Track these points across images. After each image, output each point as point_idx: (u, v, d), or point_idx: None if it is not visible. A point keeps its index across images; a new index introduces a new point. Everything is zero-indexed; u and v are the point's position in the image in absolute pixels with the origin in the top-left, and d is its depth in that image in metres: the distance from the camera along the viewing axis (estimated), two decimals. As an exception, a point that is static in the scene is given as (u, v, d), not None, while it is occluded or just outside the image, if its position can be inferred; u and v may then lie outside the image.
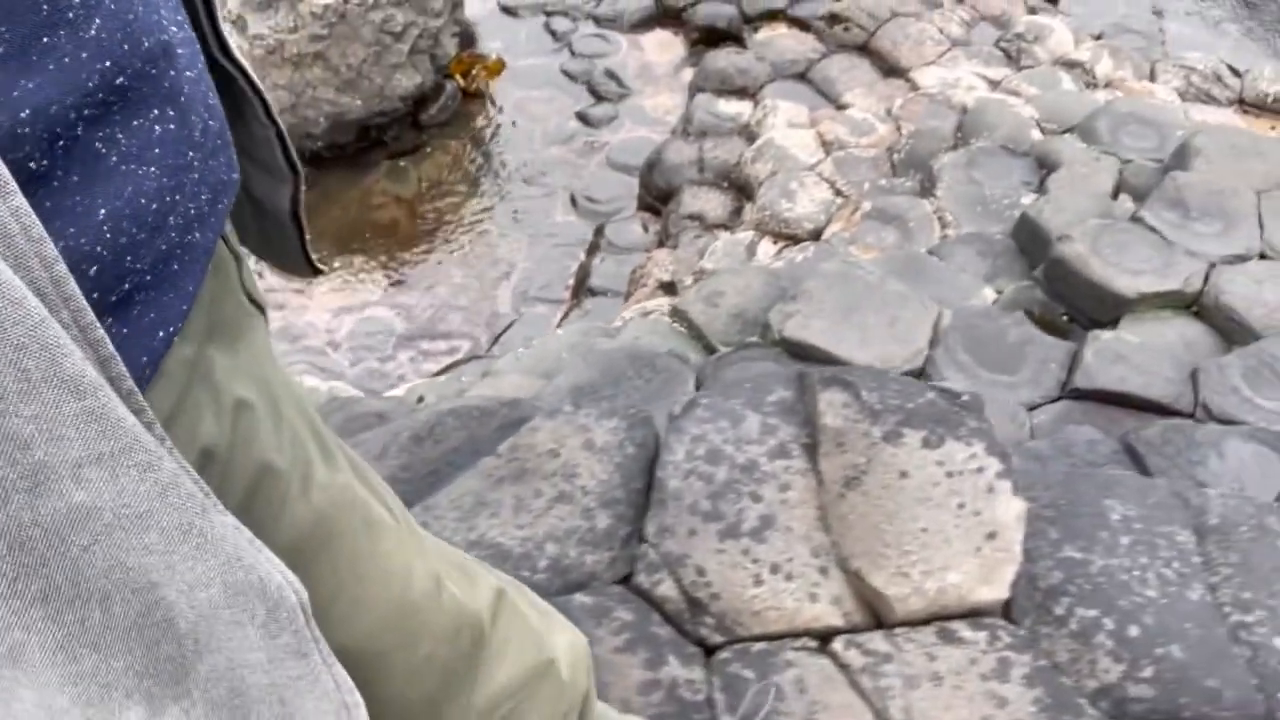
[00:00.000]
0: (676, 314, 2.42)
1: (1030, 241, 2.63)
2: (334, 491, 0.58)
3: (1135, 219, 2.49)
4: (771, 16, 4.61)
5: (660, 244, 3.81)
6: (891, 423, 1.10)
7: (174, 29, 0.46)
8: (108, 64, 0.40)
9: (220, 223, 0.51)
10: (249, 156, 0.64)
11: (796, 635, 1.01)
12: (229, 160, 0.52)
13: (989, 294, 2.51)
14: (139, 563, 0.34)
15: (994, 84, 3.91)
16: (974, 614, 1.02)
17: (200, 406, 0.49)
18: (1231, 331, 2.22)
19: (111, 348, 0.35)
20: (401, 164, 4.33)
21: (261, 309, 0.59)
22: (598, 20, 4.91)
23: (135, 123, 0.43)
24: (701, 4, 4.77)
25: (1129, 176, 2.84)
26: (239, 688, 0.39)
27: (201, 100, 0.49)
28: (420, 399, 2.19)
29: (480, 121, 4.57)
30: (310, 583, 0.47)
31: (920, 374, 2.14)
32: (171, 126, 0.45)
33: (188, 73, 0.46)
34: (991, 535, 1.04)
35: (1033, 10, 4.46)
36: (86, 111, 0.39)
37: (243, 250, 0.58)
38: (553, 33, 4.88)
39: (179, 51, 0.46)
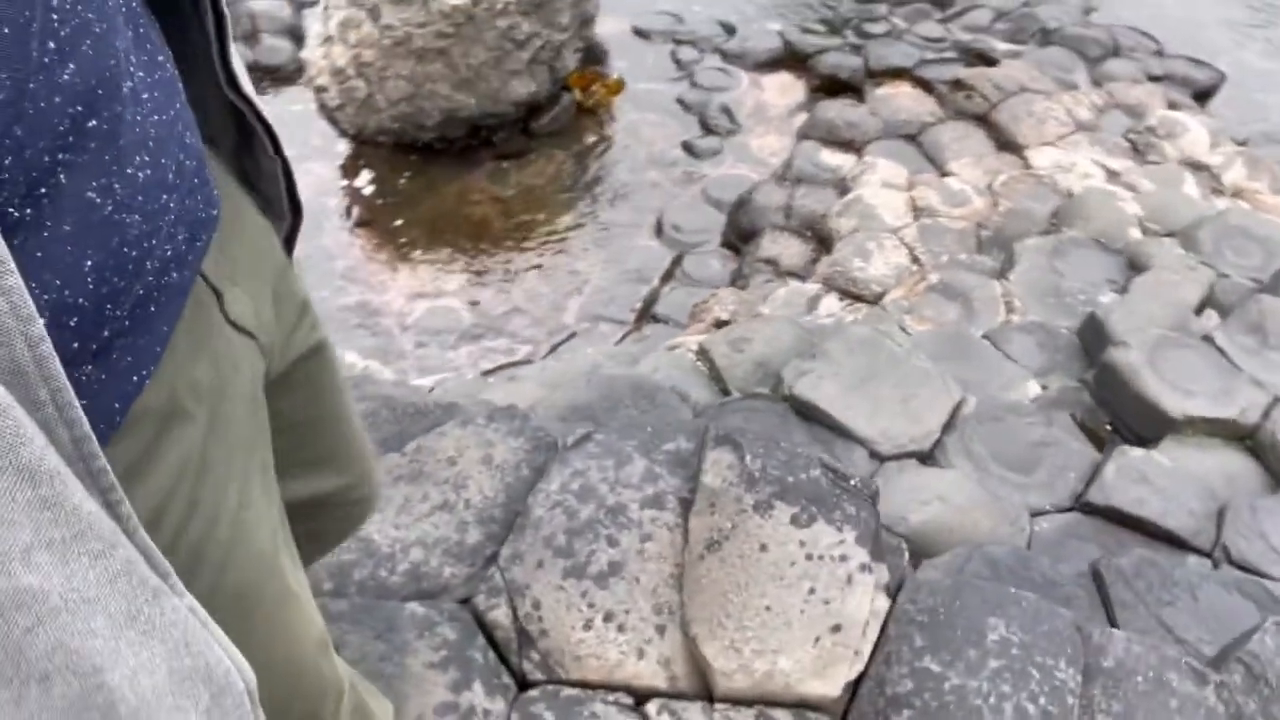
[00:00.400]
0: (701, 353, 2.40)
1: (1093, 342, 2.49)
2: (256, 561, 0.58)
3: (1206, 338, 2.32)
4: (896, 74, 4.54)
5: (732, 282, 3.78)
6: (766, 493, 1.06)
7: (141, 73, 0.46)
8: (79, 108, 0.39)
9: (198, 260, 0.52)
10: (253, 187, 0.66)
11: (613, 689, 0.98)
12: (207, 198, 0.53)
13: (1033, 388, 2.39)
14: (83, 646, 0.34)
15: (1112, 174, 3.72)
16: (801, 705, 0.96)
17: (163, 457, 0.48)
18: (1284, 475, 2.04)
19: (86, 426, 0.36)
20: (504, 166, 4.46)
21: (253, 336, 0.59)
22: (724, 54, 4.94)
23: (128, 171, 0.43)
24: (829, 53, 4.74)
25: (1220, 293, 2.65)
26: None
27: (175, 141, 0.49)
28: (430, 390, 2.25)
29: (589, 137, 4.67)
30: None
31: (927, 457, 2.05)
32: (149, 171, 0.45)
33: (156, 116, 0.46)
34: (836, 628, 0.99)
35: (1174, 106, 4.23)
36: (62, 156, 0.39)
37: (223, 284, 0.57)
38: (678, 61, 4.94)
39: (144, 95, 0.46)
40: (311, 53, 4.00)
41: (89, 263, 0.40)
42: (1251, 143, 4.17)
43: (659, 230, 4.20)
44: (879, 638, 1.00)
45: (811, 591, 1.00)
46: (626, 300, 3.95)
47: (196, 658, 0.41)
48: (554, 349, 3.81)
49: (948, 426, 2.08)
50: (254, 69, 4.64)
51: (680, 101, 4.76)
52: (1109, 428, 2.27)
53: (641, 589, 1.01)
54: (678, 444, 1.17)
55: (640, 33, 5.09)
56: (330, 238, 4.16)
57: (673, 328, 3.67)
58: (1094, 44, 4.63)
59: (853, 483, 1.12)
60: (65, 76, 0.39)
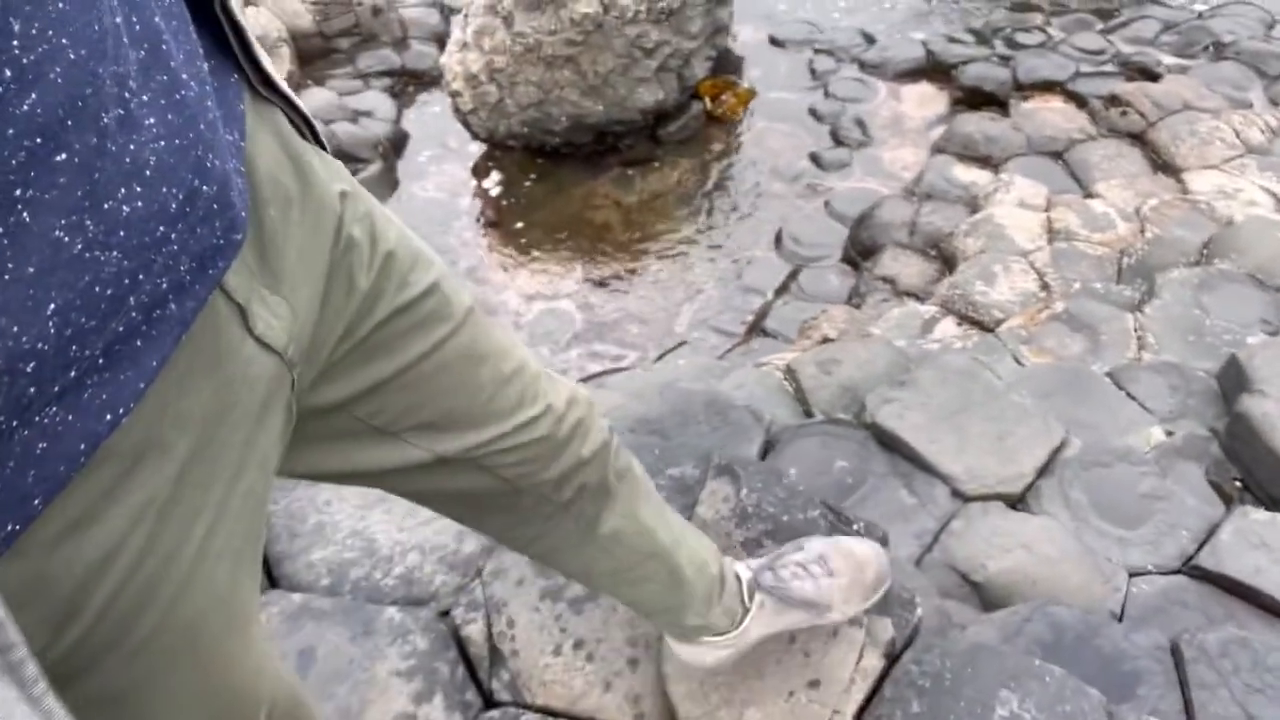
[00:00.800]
0: (789, 373, 2.32)
1: (1232, 388, 2.25)
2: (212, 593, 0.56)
3: (1366, 391, 2.04)
4: (1046, 87, 4.27)
5: (849, 300, 3.65)
6: (757, 530, 0.98)
7: (145, 96, 0.43)
8: (38, 140, 0.37)
9: (207, 289, 0.49)
10: None
11: (573, 719, 0.93)
12: (229, 223, 0.49)
13: (1156, 435, 2.18)
14: None
15: (1283, 203, 3.36)
16: (773, 763, 0.89)
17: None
18: None
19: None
20: (630, 172, 4.48)
21: (280, 355, 0.57)
22: (863, 64, 4.79)
23: (106, 206, 0.40)
24: (974, 64, 4.51)
25: (1395, 341, 2.33)
26: None
27: (191, 167, 0.46)
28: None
29: (717, 145, 4.63)
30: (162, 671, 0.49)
31: (1018, 501, 1.90)
32: (139, 204, 0.42)
33: (161, 142, 0.44)
34: (814, 684, 0.90)
35: (1367, 127, 3.78)
36: (20, 192, 0.37)
37: (254, 297, 0.54)
38: (813, 71, 4.83)
39: (147, 121, 0.43)
40: (449, 58, 4.15)
41: (52, 305, 0.38)
42: None
43: (778, 242, 4.11)
44: (870, 699, 0.92)
45: (792, 641, 0.93)
46: (738, 312, 3.89)
47: None
48: (661, 357, 3.80)
49: (1044, 470, 1.92)
50: (401, 73, 4.87)
51: (812, 112, 4.65)
52: (1239, 484, 2.03)
53: (618, 619, 0.97)
54: (683, 470, 1.12)
55: (776, 41, 5.00)
56: (456, 236, 4.31)
57: (781, 342, 3.58)
58: (1274, 59, 4.21)
59: (856, 527, 1.04)
60: (24, 107, 0.37)
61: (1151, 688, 1.22)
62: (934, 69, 4.64)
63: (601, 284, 4.13)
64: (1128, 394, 2.31)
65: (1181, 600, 1.69)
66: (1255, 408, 2.01)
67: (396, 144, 4.49)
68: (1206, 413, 2.26)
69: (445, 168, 4.52)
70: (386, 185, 4.44)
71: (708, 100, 4.64)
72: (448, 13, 5.21)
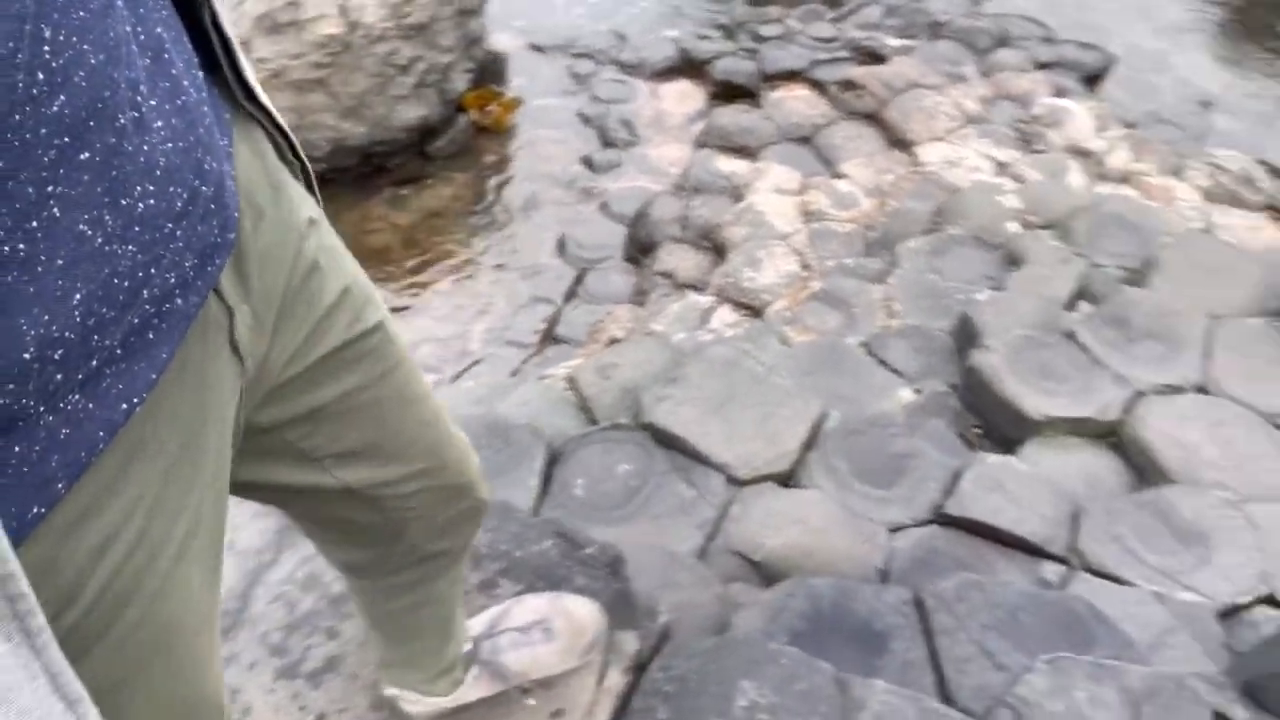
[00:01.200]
0: (571, 382, 2.36)
1: (965, 344, 2.49)
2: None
3: (1069, 334, 2.32)
4: (790, 76, 4.53)
5: (633, 298, 3.75)
6: (492, 570, 1.01)
7: (153, 101, 0.46)
8: (67, 139, 0.40)
9: (208, 285, 0.52)
10: None
11: None
12: (224, 222, 0.53)
13: (906, 396, 2.38)
14: None
15: (1001, 166, 3.74)
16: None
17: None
18: (1144, 471, 2.04)
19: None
20: (403, 192, 4.38)
21: (242, 360, 0.60)
22: (621, 65, 4.91)
23: (123, 202, 0.43)
24: (724, 58, 4.72)
25: (1093, 284, 2.66)
26: None
27: (192, 168, 0.49)
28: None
29: (489, 157, 4.61)
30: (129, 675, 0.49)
31: (789, 478, 2.03)
32: (151, 201, 0.45)
33: (169, 145, 0.47)
34: (558, 713, 0.95)
35: (1061, 92, 4.27)
36: (52, 188, 0.39)
37: (236, 303, 0.58)
38: (575, 75, 4.90)
39: (156, 124, 0.46)
40: (187, 90, 3.89)
41: (77, 295, 0.40)
42: (1141, 125, 4.22)
43: (561, 248, 4.15)
44: (619, 715, 0.96)
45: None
46: (530, 322, 3.90)
47: None
48: (457, 377, 3.75)
49: (809, 444, 2.06)
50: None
51: (579, 115, 4.72)
52: (978, 432, 2.26)
53: (360, 684, 0.96)
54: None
55: (536, 48, 5.04)
56: (223, 278, 4.06)
57: (574, 347, 3.63)
58: (983, 34, 4.67)
59: (588, 551, 1.08)
60: (54, 108, 0.39)
61: (901, 640, 1.34)
62: (688, 66, 4.82)
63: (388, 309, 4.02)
64: (880, 361, 2.50)
65: (935, 548, 1.86)
66: (983, 360, 2.23)
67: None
68: (947, 369, 2.49)
69: (201, 206, 4.25)
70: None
71: (474, 112, 4.60)
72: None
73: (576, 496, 1.93)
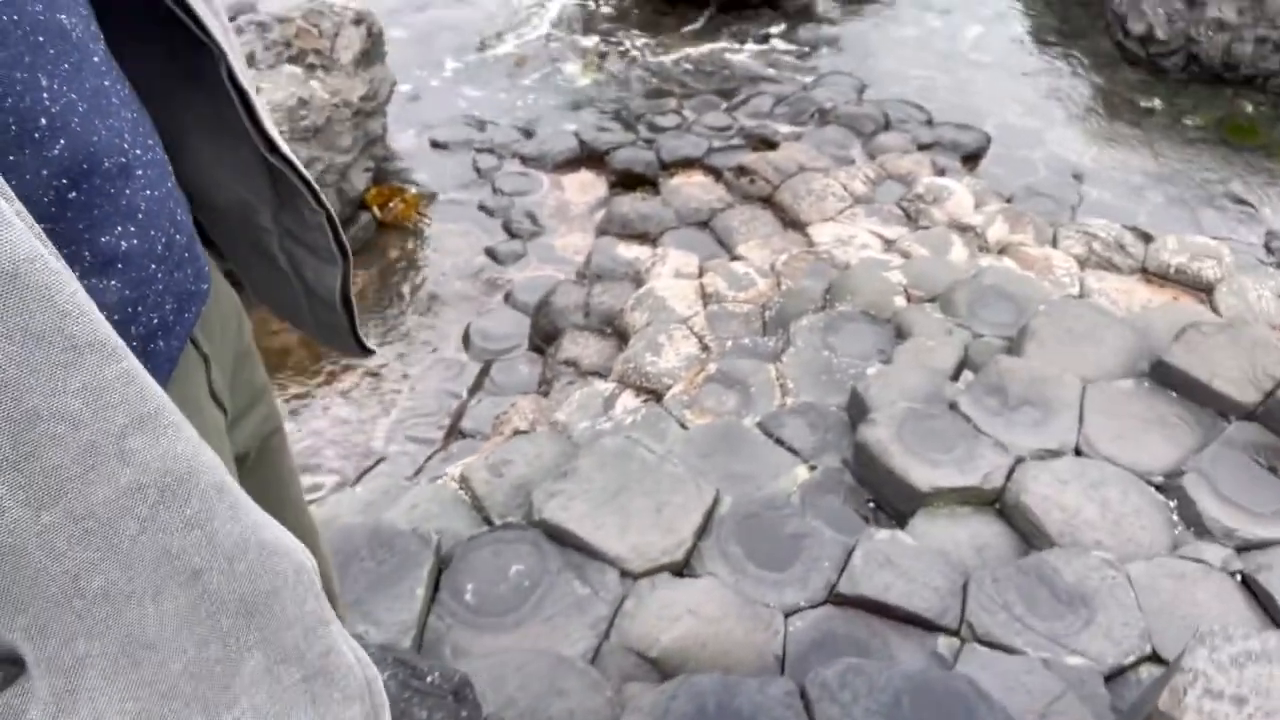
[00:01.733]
0: (464, 481, 2.32)
1: (858, 418, 2.53)
2: None
3: (952, 404, 2.38)
4: (687, 164, 4.67)
5: (538, 387, 3.73)
6: None
7: (138, 151, 0.49)
8: (64, 181, 0.42)
9: (186, 331, 0.55)
10: (299, 241, 0.71)
11: None
12: (197, 271, 0.56)
13: (802, 474, 2.39)
14: (181, 546, 0.35)
15: (888, 244, 3.88)
16: None
17: None
18: (1029, 535, 2.08)
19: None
20: (304, 292, 4.33)
21: (224, 410, 0.62)
22: (524, 159, 4.99)
23: (103, 239, 0.46)
24: (623, 149, 4.85)
25: (975, 354, 2.75)
26: (276, 692, 0.39)
27: (167, 216, 0.52)
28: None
29: (393, 253, 4.60)
30: None
31: (684, 567, 2.01)
32: (135, 241, 0.48)
33: (148, 191, 0.50)
34: None
35: (941, 171, 4.49)
36: (45, 226, 0.40)
37: (209, 351, 0.60)
38: (478, 169, 4.97)
39: (139, 172, 0.49)
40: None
41: None
42: (1016, 199, 4.45)
43: (467, 341, 4.14)
44: None
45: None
46: (435, 417, 3.85)
47: (274, 530, 0.44)
48: (359, 478, 3.66)
49: (703, 531, 2.05)
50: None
51: (483, 208, 4.77)
52: (872, 506, 2.28)
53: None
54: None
55: (438, 144, 5.10)
56: (114, 388, 3.92)
57: (479, 441, 3.58)
58: (868, 120, 4.90)
59: (430, 680, 1.04)
60: (55, 151, 0.42)
61: (785, 733, 1.32)
62: (589, 157, 4.94)
63: (290, 412, 3.92)
64: (776, 440, 2.52)
65: (831, 630, 1.86)
66: (870, 434, 2.27)
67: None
68: (842, 445, 2.52)
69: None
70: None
71: (376, 209, 4.61)
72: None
73: (466, 603, 1.87)
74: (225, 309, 0.68)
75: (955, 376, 2.67)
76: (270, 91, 4.02)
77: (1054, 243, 3.94)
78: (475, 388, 3.90)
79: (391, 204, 4.67)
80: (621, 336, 3.67)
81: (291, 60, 4.29)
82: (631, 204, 4.36)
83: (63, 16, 0.44)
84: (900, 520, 2.19)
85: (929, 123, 5.03)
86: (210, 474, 0.38)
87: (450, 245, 4.62)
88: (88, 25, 0.47)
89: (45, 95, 0.41)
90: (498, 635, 1.81)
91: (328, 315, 0.75)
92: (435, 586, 1.91)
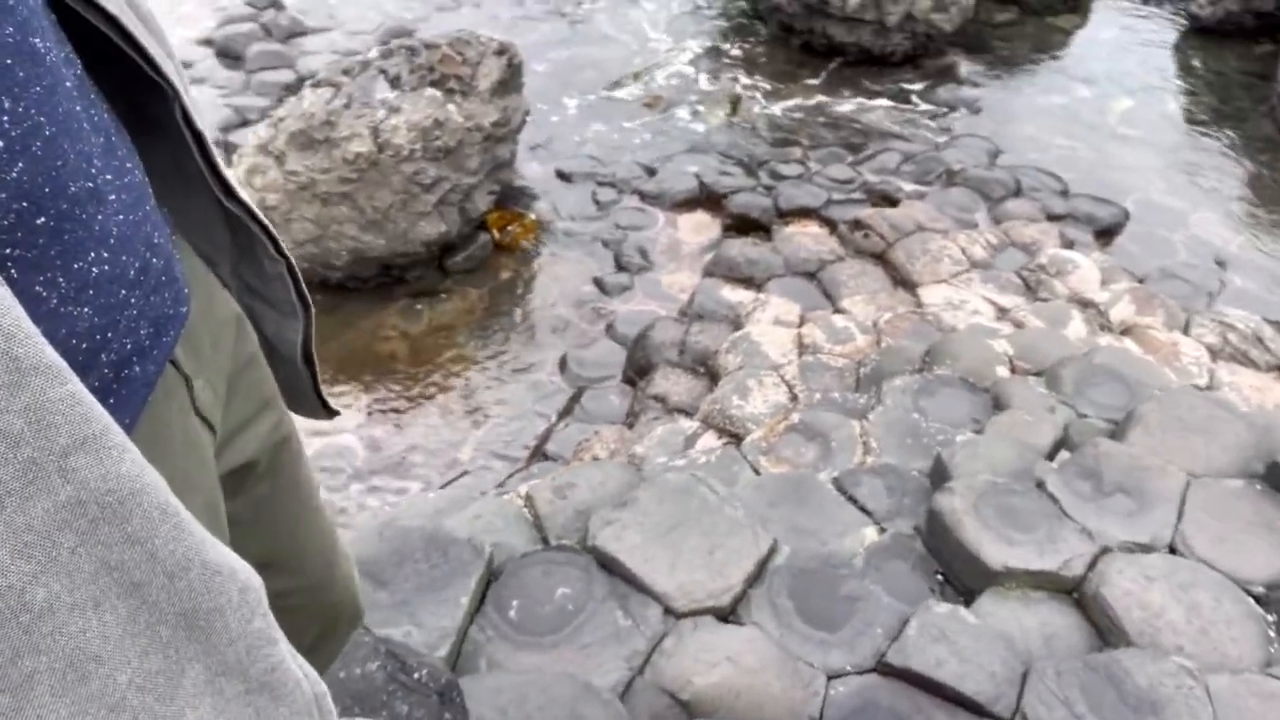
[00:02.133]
0: (528, 500, 2.34)
1: (939, 485, 2.43)
2: None
3: (1039, 483, 2.26)
4: (804, 214, 4.64)
5: (626, 419, 3.75)
6: None
7: (108, 175, 0.49)
8: (25, 204, 0.42)
9: (164, 354, 0.54)
10: (258, 295, 0.72)
11: None
12: (175, 295, 0.56)
13: (870, 535, 2.31)
14: (121, 560, 0.36)
15: (1001, 311, 3.74)
16: None
17: None
18: (1105, 631, 1.94)
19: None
20: (418, 304, 4.51)
21: (212, 429, 0.62)
22: (643, 195, 5.07)
23: (76, 266, 0.45)
24: (742, 193, 4.86)
25: (1075, 434, 2.60)
26: (219, 704, 0.40)
27: (143, 240, 0.52)
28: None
29: (505, 274, 4.74)
30: None
31: (729, 613, 1.96)
32: (106, 267, 0.48)
33: (121, 216, 0.50)
34: None
35: (1069, 244, 4.30)
36: (9, 250, 0.41)
37: (191, 370, 0.60)
38: (597, 201, 5.07)
39: (110, 197, 0.49)
40: (220, 197, 4.11)
41: None
42: (1149, 280, 4.21)
43: (563, 366, 4.20)
44: None
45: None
46: (522, 437, 3.91)
47: (218, 550, 0.43)
48: (444, 487, 3.75)
49: (754, 579, 2.00)
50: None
51: (597, 239, 4.86)
52: (940, 577, 2.18)
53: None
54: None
55: (562, 174, 5.24)
56: (234, 375, 4.17)
57: (559, 465, 3.62)
58: (997, 185, 4.76)
59: (418, 676, 1.04)
60: (14, 174, 0.42)
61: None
62: (707, 198, 4.97)
63: (387, 417, 4.07)
64: (849, 497, 2.45)
65: (873, 700, 1.77)
66: (945, 502, 2.18)
67: (169, 283, 4.35)
68: (918, 510, 2.43)
69: (223, 305, 4.41)
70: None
71: (495, 231, 4.77)
72: (230, 151, 5.19)
73: (509, 619, 1.89)
74: (220, 319, 0.67)
75: (1051, 456, 2.53)
76: (409, 112, 4.24)
77: (1185, 329, 3.71)
78: (565, 413, 3.95)
79: (510, 227, 4.82)
80: (713, 377, 3.66)
81: (434, 84, 4.52)
82: (742, 248, 4.36)
83: (36, 40, 0.44)
84: (968, 597, 2.08)
85: (1063, 193, 4.84)
86: (154, 495, 0.38)
87: (561, 272, 4.73)
88: (61, 50, 0.48)
89: (6, 118, 0.41)
90: (533, 654, 1.81)
91: (289, 373, 0.74)
92: (482, 598, 1.93)
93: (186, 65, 5.94)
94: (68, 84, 0.47)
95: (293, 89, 5.30)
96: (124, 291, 0.50)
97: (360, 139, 4.07)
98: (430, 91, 4.41)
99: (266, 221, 0.68)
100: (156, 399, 0.54)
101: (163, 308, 0.54)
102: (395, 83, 4.47)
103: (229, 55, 6.01)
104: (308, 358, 0.73)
